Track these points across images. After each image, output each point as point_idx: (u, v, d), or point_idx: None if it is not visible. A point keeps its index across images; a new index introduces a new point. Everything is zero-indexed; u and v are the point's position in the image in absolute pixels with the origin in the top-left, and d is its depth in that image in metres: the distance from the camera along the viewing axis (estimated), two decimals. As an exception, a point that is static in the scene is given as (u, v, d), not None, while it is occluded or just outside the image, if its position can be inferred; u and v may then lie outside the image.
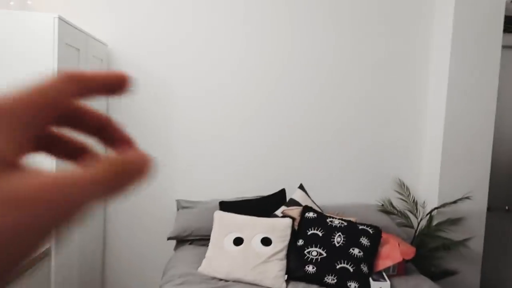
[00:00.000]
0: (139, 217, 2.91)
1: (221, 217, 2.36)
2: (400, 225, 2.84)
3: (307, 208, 2.45)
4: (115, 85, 0.26)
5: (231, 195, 2.94)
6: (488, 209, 3.04)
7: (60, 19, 2.04)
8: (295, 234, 2.33)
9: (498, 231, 3.15)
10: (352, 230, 2.27)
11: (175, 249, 2.56)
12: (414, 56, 2.98)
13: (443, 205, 2.72)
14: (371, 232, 2.28)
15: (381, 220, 2.67)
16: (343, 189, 3.01)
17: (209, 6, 2.86)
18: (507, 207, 3.11)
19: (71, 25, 2.18)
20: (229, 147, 2.94)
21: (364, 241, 2.23)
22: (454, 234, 2.80)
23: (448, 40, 2.78)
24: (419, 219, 2.86)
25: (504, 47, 3.00)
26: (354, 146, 3.01)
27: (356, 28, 2.94)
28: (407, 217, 2.85)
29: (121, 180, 0.23)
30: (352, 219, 2.47)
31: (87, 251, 2.57)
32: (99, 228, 2.79)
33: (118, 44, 2.85)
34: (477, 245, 2.84)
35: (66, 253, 2.24)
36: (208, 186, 2.93)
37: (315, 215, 2.38)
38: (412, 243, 2.79)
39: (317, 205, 2.67)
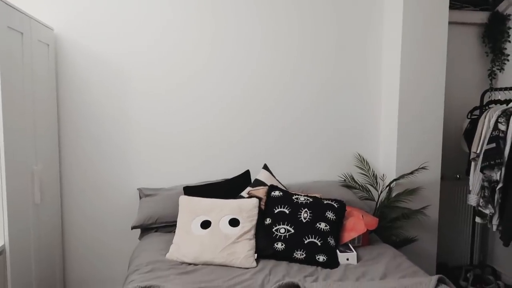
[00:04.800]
0: (99, 209, 2.79)
1: (186, 201, 2.31)
2: (362, 198, 2.94)
3: (272, 187, 2.46)
4: None
5: (194, 180, 2.89)
6: (442, 178, 3.21)
7: (-1, -1, 1.88)
8: (262, 214, 2.34)
9: (451, 198, 3.33)
10: (317, 206, 2.31)
11: (140, 238, 2.49)
12: (368, 37, 3.05)
13: (401, 177, 2.84)
14: (336, 206, 2.34)
15: (344, 195, 2.74)
16: (306, 168, 3.05)
17: (161, -14, 2.76)
18: (458, 176, 3.29)
19: (12, 6, 2.02)
20: (189, 132, 2.88)
21: (330, 215, 2.28)
22: (412, 204, 2.93)
23: (399, 19, 2.86)
24: (379, 192, 2.96)
25: (450, 23, 3.14)
26: (314, 125, 3.04)
27: (312, 12, 2.95)
28: (368, 191, 2.95)
29: None
30: (317, 195, 2.51)
31: (44, 246, 2.44)
32: (56, 223, 2.66)
33: (66, 28, 2.69)
34: (433, 212, 2.99)
35: (21, 249, 2.11)
36: (170, 172, 2.87)
37: (281, 193, 2.40)
38: (374, 215, 2.89)
39: (282, 184, 2.69)
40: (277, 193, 2.40)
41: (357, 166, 3.08)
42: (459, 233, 3.36)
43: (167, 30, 2.79)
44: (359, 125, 3.10)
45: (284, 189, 2.52)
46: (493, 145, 2.63)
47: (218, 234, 2.14)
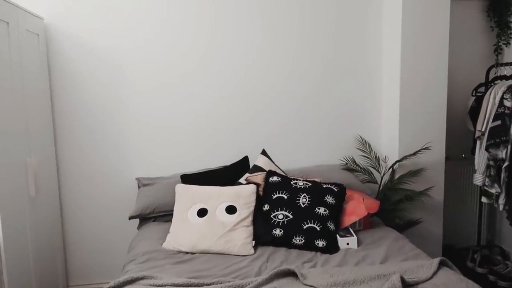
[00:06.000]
0: (99, 201, 2.78)
1: (183, 189, 2.28)
2: (364, 181, 2.88)
3: (271, 173, 2.41)
4: None
5: (193, 168, 2.86)
6: (447, 158, 3.13)
7: (-21, -12, 1.82)
8: (261, 200, 2.30)
9: (456, 178, 3.25)
10: (316, 190, 2.26)
11: (139, 228, 2.47)
12: (368, 16, 2.94)
13: (404, 158, 2.76)
14: (336, 190, 2.28)
15: (346, 178, 2.69)
16: (307, 153, 2.99)
17: (150, -30, 2.68)
18: (463, 155, 3.20)
19: (-5, -4, 1.96)
20: (187, 119, 2.83)
21: (329, 199, 2.23)
22: (416, 185, 2.86)
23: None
24: (382, 174, 2.90)
25: (453, -2, 3.02)
26: (315, 109, 2.97)
27: (307, -14, 2.86)
28: (370, 173, 2.89)
29: None
30: (317, 179, 2.46)
31: (43, 240, 2.44)
32: (55, 216, 2.65)
33: (57, 18, 2.63)
34: (438, 193, 2.92)
35: (18, 243, 2.10)
36: (170, 162, 2.83)
37: (279, 179, 2.35)
38: (377, 198, 2.84)
39: (281, 170, 2.64)
40: (275, 178, 2.35)
41: (358, 149, 3.01)
42: (465, 214, 3.29)
43: (165, 21, 2.72)
44: (360, 107, 3.02)
45: (283, 174, 2.47)
46: (499, 122, 2.54)
47: (215, 222, 2.10)
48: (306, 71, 2.93)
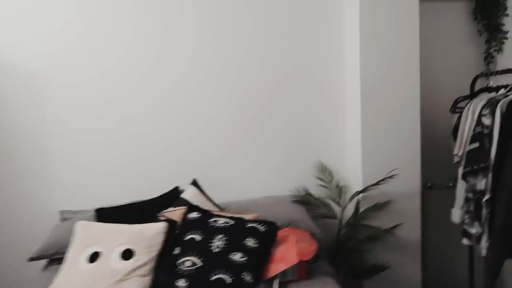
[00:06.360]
0: (17, 238, 2.49)
1: (83, 228, 1.95)
2: (320, 216, 2.43)
3: (191, 208, 2.03)
4: None
5: (126, 199, 2.52)
6: (430, 187, 2.64)
7: None
8: (175, 241, 1.92)
9: (441, 210, 2.71)
10: (236, 230, 1.86)
11: (42, 270, 2.14)
12: (329, 26, 2.57)
13: (365, 189, 2.31)
14: (262, 230, 1.87)
15: (292, 213, 2.27)
16: (258, 180, 2.60)
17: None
18: (451, 184, 2.67)
19: None
20: (118, 145, 2.53)
21: (250, 242, 1.81)
22: (387, 220, 2.39)
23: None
24: (342, 207, 2.44)
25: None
26: (268, 130, 2.60)
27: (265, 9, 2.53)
28: (327, 206, 2.44)
29: None
30: (250, 215, 2.05)
31: None
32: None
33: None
34: (413, 230, 2.43)
35: None
36: (98, 191, 2.52)
37: (199, 215, 1.97)
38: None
39: (213, 203, 2.26)
40: (194, 215, 1.97)
41: (317, 177, 2.57)
42: (456, 254, 2.73)
43: (88, 31, 2.45)
44: (321, 129, 2.62)
45: (206, 209, 2.08)
46: (476, 144, 2.05)
47: (105, 270, 1.74)
48: (255, 83, 2.56)
